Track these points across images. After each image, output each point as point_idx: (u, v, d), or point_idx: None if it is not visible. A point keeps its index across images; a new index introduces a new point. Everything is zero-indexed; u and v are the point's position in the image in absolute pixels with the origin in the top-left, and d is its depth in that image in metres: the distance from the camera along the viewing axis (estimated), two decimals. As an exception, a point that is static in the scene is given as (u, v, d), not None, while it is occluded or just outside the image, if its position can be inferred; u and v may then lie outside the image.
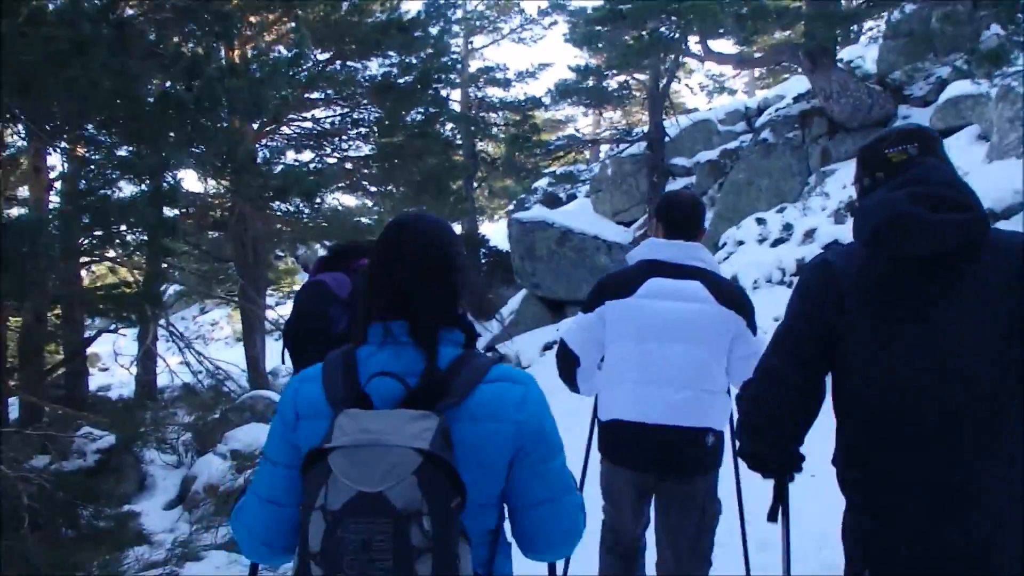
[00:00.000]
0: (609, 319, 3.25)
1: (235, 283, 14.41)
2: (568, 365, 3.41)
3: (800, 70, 16.89)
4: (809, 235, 12.50)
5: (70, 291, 11.02)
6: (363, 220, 17.70)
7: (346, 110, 14.96)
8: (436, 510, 1.49)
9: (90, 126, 7.30)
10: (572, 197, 25.64)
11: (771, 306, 9.96)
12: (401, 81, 13.66)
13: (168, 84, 6.36)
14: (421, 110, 14.65)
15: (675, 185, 21.50)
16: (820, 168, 15.78)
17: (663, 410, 3.12)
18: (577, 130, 22.38)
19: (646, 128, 21.29)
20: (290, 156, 15.17)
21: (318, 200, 15.12)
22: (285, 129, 15.66)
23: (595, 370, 3.41)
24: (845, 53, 19.21)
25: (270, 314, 15.22)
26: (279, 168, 11.57)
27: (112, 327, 10.09)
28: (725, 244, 14.69)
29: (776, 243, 13.31)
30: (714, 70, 24.74)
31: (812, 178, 15.86)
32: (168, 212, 10.04)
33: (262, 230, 15.16)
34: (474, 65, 23.18)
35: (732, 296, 3.26)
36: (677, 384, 3.13)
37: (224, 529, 5.33)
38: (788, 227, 13.42)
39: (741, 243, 14.09)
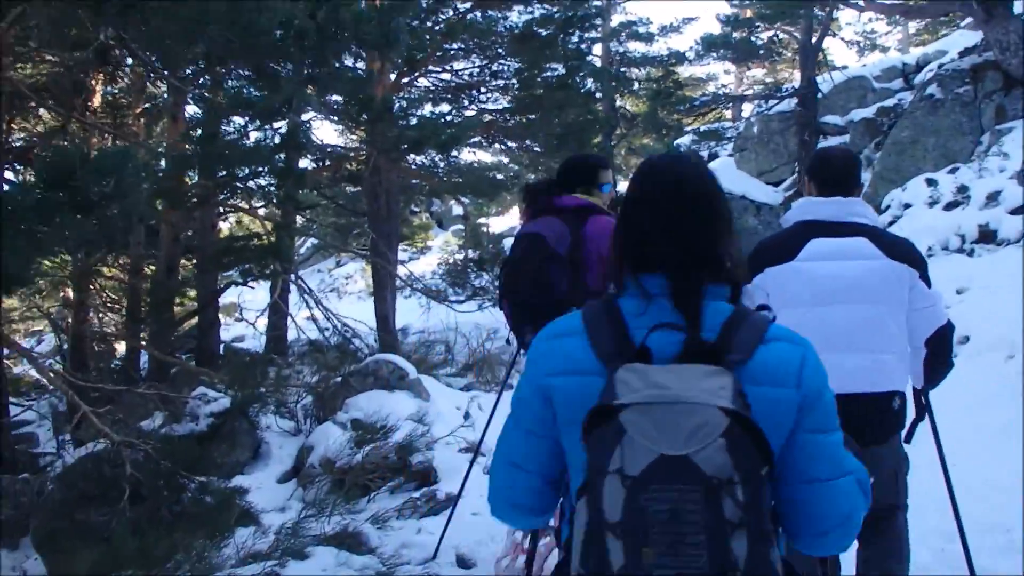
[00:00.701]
0: (771, 287, 3.05)
1: (369, 238, 14.11)
2: None
3: (966, 23, 15.58)
4: (992, 198, 11.32)
5: (203, 241, 10.92)
6: (499, 175, 17.28)
7: (485, 62, 14.36)
8: (747, 478, 1.36)
9: (202, 63, 6.89)
10: (714, 156, 24.67)
11: (950, 277, 9.04)
12: (542, 31, 12.95)
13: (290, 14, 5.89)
14: (561, 62, 13.92)
15: (827, 144, 20.31)
16: (995, 126, 14.41)
17: (841, 378, 2.65)
18: (723, 85, 21.18)
19: (795, 84, 20.03)
20: (427, 109, 14.64)
21: (454, 153, 14.73)
22: (423, 81, 15.25)
23: None
24: (1019, 4, 17.50)
25: (401, 270, 14.93)
26: (415, 119, 11.07)
27: (240, 280, 9.83)
28: (889, 207, 13.58)
29: (949, 206, 12.13)
30: (867, 27, 23.06)
31: (985, 137, 14.55)
32: (300, 162, 9.76)
33: (396, 183, 14.80)
34: (616, 19, 22.23)
35: (901, 249, 3.08)
36: (853, 349, 2.94)
37: (337, 517, 4.87)
38: (963, 189, 12.25)
39: (908, 206, 12.99)
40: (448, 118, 12.58)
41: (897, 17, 28.60)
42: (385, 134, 9.77)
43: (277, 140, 7.57)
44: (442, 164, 15.62)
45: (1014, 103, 14.52)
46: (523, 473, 1.74)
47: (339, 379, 6.99)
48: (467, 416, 7.35)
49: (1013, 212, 10.49)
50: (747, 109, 25.59)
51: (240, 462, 6.16)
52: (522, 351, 3.97)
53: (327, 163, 16.11)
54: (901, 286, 3.01)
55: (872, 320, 2.98)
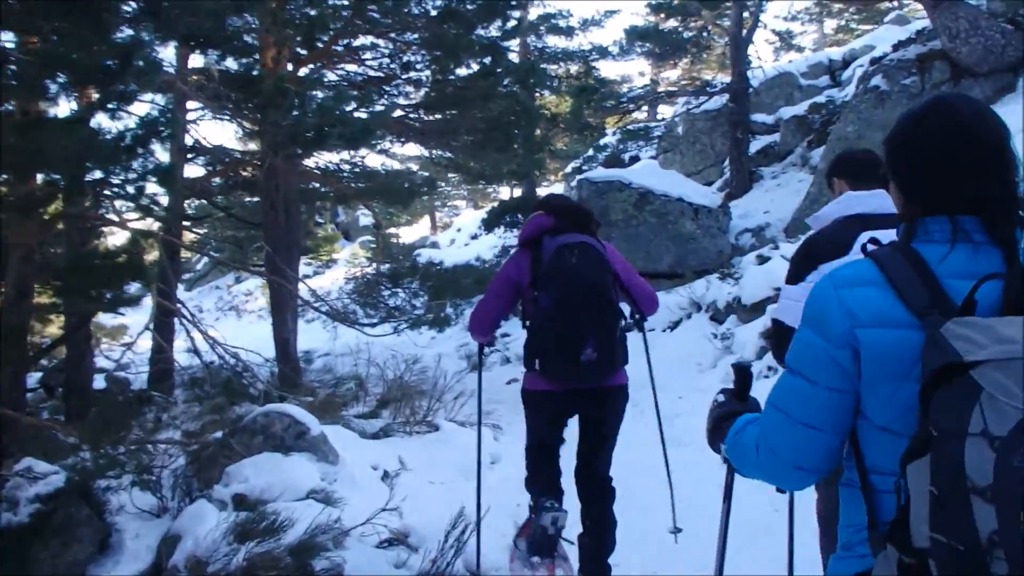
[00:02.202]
0: None
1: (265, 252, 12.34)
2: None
3: (890, 17, 14.80)
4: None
5: (71, 259, 9.09)
6: (417, 175, 15.72)
7: (395, 49, 12.76)
8: None
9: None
10: (635, 159, 23.52)
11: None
12: (465, 8, 11.38)
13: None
14: (481, 51, 12.37)
15: (757, 144, 19.33)
16: (946, 119, 13.42)
17: None
18: (641, 87, 19.91)
19: (723, 81, 18.91)
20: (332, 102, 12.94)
21: (361, 154, 13.11)
22: (329, 75, 13.60)
23: None
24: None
25: (303, 288, 13.18)
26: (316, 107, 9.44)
27: (99, 307, 8.02)
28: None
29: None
30: (784, 26, 22.20)
31: (936, 131, 13.53)
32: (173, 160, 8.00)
33: (296, 189, 13.11)
34: (534, 12, 20.84)
35: None
36: None
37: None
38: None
39: (863, 206, 11.72)
40: (356, 113, 10.89)
41: (814, 16, 28.09)
42: (278, 124, 8.07)
43: (135, 129, 5.77)
44: (348, 167, 14.05)
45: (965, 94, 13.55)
46: (818, 433, 1.64)
47: (219, 435, 5.25)
48: (386, 476, 5.77)
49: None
50: (664, 111, 24.58)
51: (78, 561, 4.42)
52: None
53: (218, 168, 14.30)
54: None
55: None
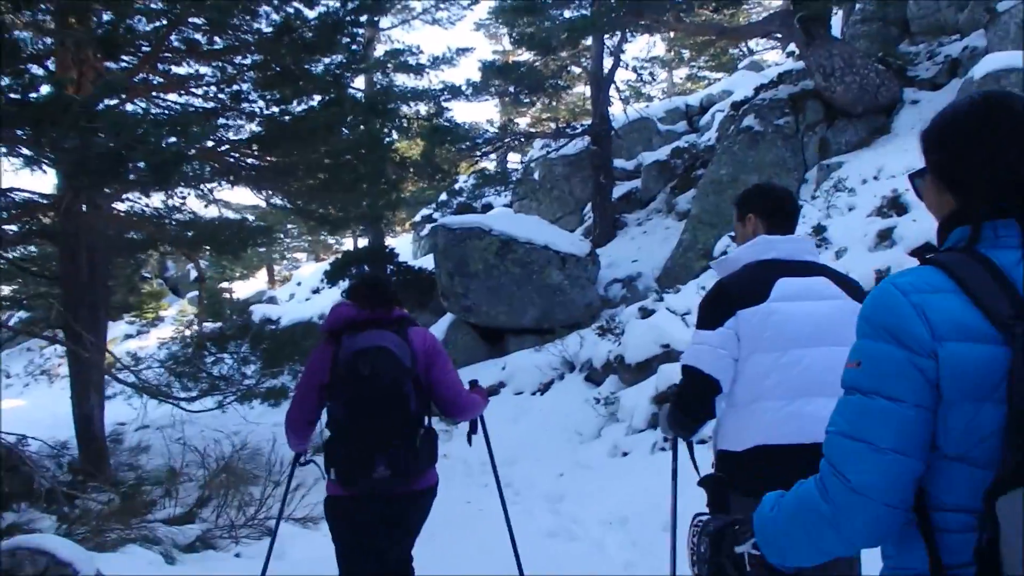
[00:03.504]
0: (744, 330, 2.90)
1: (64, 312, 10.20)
2: (705, 395, 2.98)
3: (744, 63, 14.25)
4: (884, 237, 9.19)
5: None
6: (251, 223, 13.82)
7: (226, 75, 10.97)
8: None
9: None
10: (488, 207, 22.30)
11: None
12: (302, 34, 9.72)
13: None
14: (327, 81, 10.73)
15: (618, 190, 18.42)
16: (819, 161, 12.75)
17: (818, 427, 2.17)
18: (506, 124, 18.69)
19: (583, 124, 17.92)
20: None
21: (186, 195, 11.18)
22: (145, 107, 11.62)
23: (724, 396, 3.00)
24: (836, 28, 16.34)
25: (121, 351, 11.03)
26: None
27: None
28: (724, 253, 11.41)
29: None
30: (629, 77, 21.56)
31: (812, 173, 12.83)
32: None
33: (103, 236, 11.03)
34: (380, 49, 19.34)
35: (857, 289, 3.03)
36: (830, 393, 2.26)
37: None
38: (821, 229, 10.12)
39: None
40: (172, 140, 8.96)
41: (667, 63, 27.84)
42: (62, 148, 6.20)
43: None
44: (169, 212, 12.10)
45: (838, 136, 12.96)
46: (910, 461, 1.42)
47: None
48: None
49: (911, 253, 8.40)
50: (514, 159, 23.50)
51: None
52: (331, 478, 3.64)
53: (12, 212, 12.00)
54: None
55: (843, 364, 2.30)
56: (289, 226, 31.36)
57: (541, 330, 13.60)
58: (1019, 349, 1.28)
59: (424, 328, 3.94)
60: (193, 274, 32.96)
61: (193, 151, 8.25)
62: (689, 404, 3.08)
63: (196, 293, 27.47)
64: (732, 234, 11.53)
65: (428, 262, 17.86)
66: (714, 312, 2.99)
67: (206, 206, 10.60)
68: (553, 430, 9.99)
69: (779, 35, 14.27)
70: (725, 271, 3.11)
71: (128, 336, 28.90)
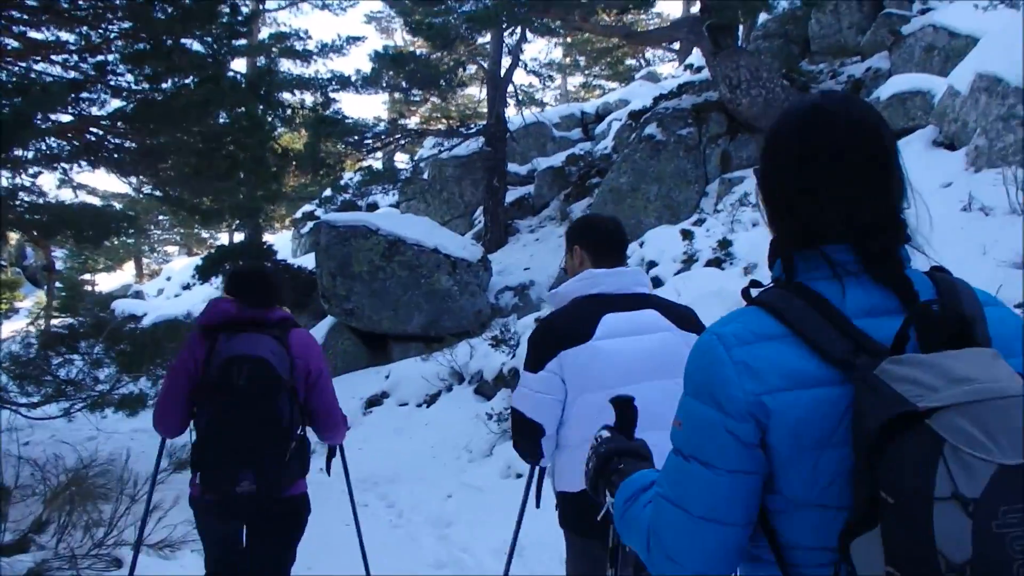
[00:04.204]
0: (569, 370, 2.89)
1: None
2: (531, 439, 2.98)
3: (642, 74, 13.95)
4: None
5: None
6: (115, 210, 12.69)
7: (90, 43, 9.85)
8: None
9: None
10: (374, 207, 21.43)
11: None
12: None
13: None
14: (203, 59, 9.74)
15: (510, 195, 17.86)
16: (720, 175, 12.47)
17: (657, 461, 2.25)
18: (395, 119, 17.87)
19: (477, 125, 17.28)
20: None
21: (37, 165, 10.01)
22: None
23: (554, 436, 2.99)
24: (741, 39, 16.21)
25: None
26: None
27: None
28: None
29: (713, 263, 9.61)
30: (525, 80, 21.12)
31: (713, 186, 12.54)
32: None
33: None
34: (265, 31, 18.24)
35: (687, 318, 3.03)
36: (663, 426, 2.10)
37: None
38: (727, 244, 9.73)
39: (653, 264, 10.30)
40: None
41: (564, 68, 27.49)
42: None
43: None
44: (22, 194, 10.92)
45: (739, 150, 12.68)
46: (726, 529, 1.36)
47: None
48: None
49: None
50: (401, 159, 22.72)
51: None
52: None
53: None
54: None
55: (676, 395, 1.96)
56: (160, 217, 29.82)
57: (428, 337, 12.95)
58: (861, 382, 1.20)
59: (306, 331, 3.72)
60: (58, 265, 31.06)
61: (43, 118, 7.22)
62: (521, 444, 3.08)
63: (56, 284, 25.78)
64: (640, 242, 11.18)
65: (308, 261, 16.97)
66: (539, 353, 2.96)
67: (59, 187, 9.45)
68: (440, 446, 9.29)
69: (689, 39, 13.92)
70: (556, 304, 3.11)
71: (-14, 327, 26.96)
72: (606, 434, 1.87)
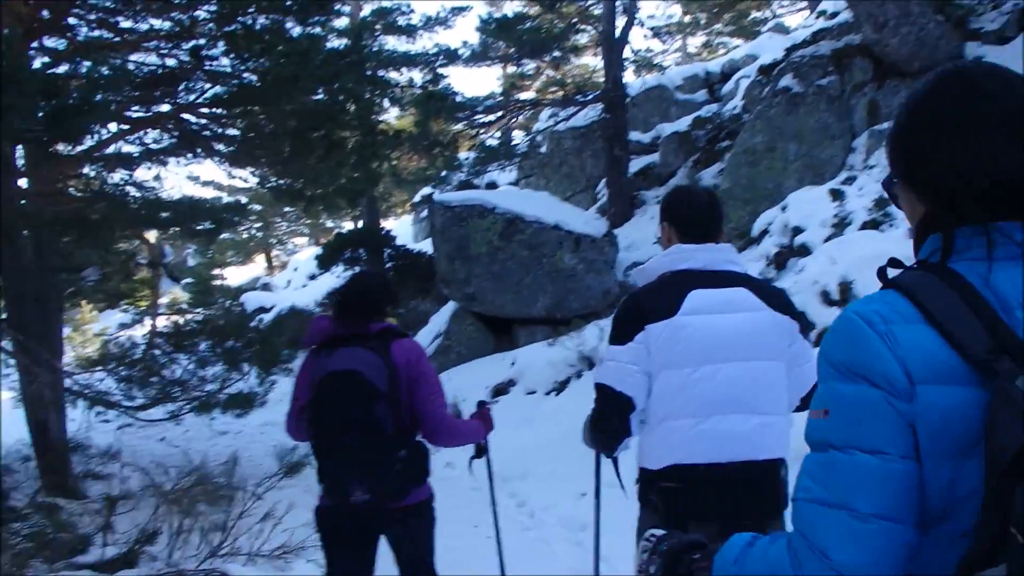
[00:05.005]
0: (653, 345, 2.80)
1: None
2: (619, 414, 2.86)
3: (770, 25, 12.74)
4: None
5: None
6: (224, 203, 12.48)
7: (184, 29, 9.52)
8: None
9: None
10: (492, 186, 20.83)
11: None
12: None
13: None
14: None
15: (634, 165, 16.92)
16: (869, 127, 11.26)
17: (734, 445, 2.77)
18: (514, 85, 17.18)
19: (593, 92, 16.37)
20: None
21: (151, 175, 9.76)
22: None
23: (642, 412, 2.92)
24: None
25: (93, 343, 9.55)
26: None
27: None
28: (767, 232, 9.97)
29: (869, 226, 8.59)
30: (644, 44, 20.12)
31: (860, 140, 11.33)
32: None
33: (56, 217, 9.51)
34: (367, 8, 17.71)
35: (781, 299, 2.93)
36: (746, 410, 2.76)
37: None
38: (884, 203, 8.65)
39: (799, 230, 9.31)
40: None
41: (684, 28, 26.32)
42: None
43: None
44: (132, 189, 10.79)
45: (889, 97, 11.39)
46: (902, 528, 1.16)
47: None
48: None
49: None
50: (517, 137, 21.98)
51: None
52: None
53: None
54: (784, 340, 2.87)
55: (762, 378, 2.82)
56: (287, 209, 30.10)
57: (553, 320, 12.25)
58: (998, 391, 1.05)
59: (410, 340, 3.70)
60: (190, 260, 31.78)
61: (110, 99, 6.80)
62: (605, 423, 2.97)
63: (188, 280, 26.25)
64: (782, 206, 10.20)
65: (429, 246, 16.54)
66: (624, 327, 2.90)
67: (156, 179, 9.10)
68: (572, 438, 8.54)
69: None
70: (642, 280, 3.05)
71: (123, 325, 27.69)
72: (659, 533, 1.68)
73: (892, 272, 1.27)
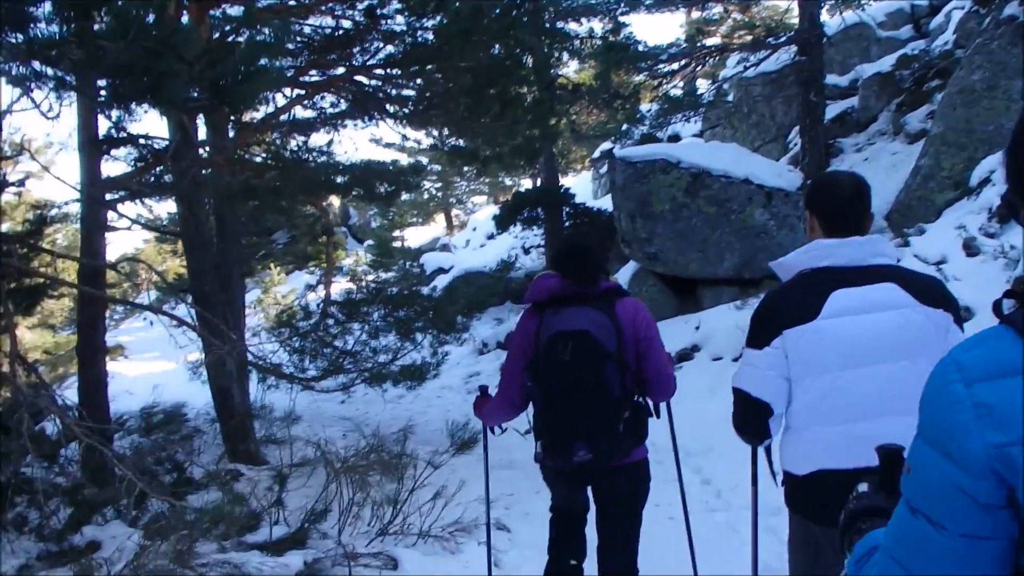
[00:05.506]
0: (792, 351, 2.74)
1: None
2: (758, 420, 2.85)
3: None
4: None
5: None
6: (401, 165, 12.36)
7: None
8: None
9: None
10: (675, 139, 19.99)
11: None
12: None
13: None
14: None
15: (830, 111, 15.70)
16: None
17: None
18: (700, 31, 16.23)
19: (785, 33, 15.21)
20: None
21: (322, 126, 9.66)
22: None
23: (782, 416, 2.90)
24: None
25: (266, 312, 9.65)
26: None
27: None
28: (988, 181, 8.87)
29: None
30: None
31: (1100, 77, 9.93)
32: None
33: (230, 186, 9.57)
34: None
35: (934, 291, 2.76)
36: (891, 413, 2.63)
37: None
38: None
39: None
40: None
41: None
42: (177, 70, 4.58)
43: None
44: (314, 154, 10.77)
45: None
46: None
47: None
48: None
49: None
50: (702, 86, 20.90)
51: None
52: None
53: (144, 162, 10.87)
54: (938, 335, 2.69)
55: (911, 378, 2.55)
56: (466, 168, 30.17)
57: (742, 281, 11.64)
58: None
59: (634, 300, 3.79)
60: (373, 222, 32.41)
61: (277, 65, 6.56)
62: (744, 426, 2.93)
63: (371, 242, 26.68)
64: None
65: (608, 203, 15.98)
66: (761, 330, 2.83)
67: (329, 144, 8.95)
68: (761, 410, 7.90)
69: None
70: (782, 275, 2.96)
71: (309, 287, 28.59)
72: (863, 488, 1.66)
73: (1008, 305, 1.16)
